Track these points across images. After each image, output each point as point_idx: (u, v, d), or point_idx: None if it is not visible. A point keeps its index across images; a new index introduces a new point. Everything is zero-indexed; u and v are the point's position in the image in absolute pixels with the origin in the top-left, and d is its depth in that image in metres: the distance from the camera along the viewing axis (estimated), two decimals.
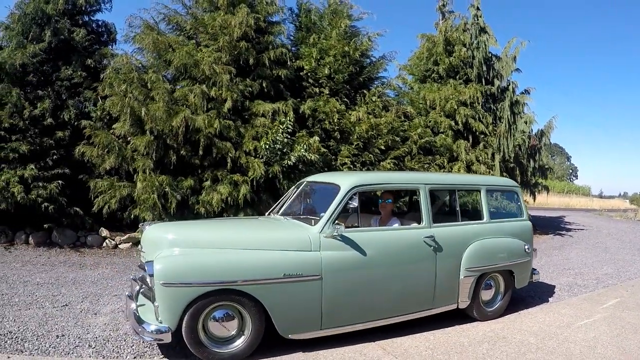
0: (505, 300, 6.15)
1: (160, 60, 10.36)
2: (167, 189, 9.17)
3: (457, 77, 15.21)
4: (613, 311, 6.50)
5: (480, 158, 13.75)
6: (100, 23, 11.75)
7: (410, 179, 5.97)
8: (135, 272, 5.42)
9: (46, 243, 9.57)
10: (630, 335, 5.48)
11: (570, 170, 78.29)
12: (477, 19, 15.76)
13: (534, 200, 17.74)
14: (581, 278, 8.84)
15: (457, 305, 5.60)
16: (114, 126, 9.78)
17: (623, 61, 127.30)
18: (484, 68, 15.36)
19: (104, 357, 4.32)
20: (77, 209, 9.58)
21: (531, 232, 6.65)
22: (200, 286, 4.01)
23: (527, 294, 7.24)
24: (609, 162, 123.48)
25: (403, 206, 8.64)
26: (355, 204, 4.86)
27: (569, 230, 18.29)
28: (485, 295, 5.97)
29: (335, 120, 11.22)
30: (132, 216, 9.45)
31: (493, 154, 14.23)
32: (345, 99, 11.87)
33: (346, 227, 4.76)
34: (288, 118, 10.15)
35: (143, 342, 4.59)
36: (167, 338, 3.97)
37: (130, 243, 9.96)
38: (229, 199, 9.47)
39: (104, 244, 9.91)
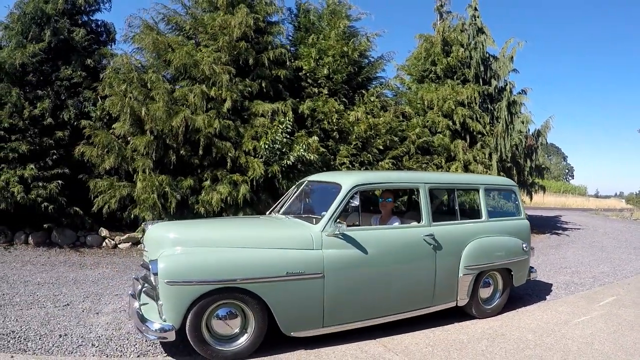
0: (503, 298, 6.20)
1: (160, 60, 10.39)
2: (166, 189, 9.19)
3: (455, 77, 15.28)
4: (610, 308, 6.57)
5: (478, 158, 13.81)
6: (99, 23, 11.76)
7: (411, 178, 6.03)
8: (137, 272, 5.47)
9: (46, 243, 9.58)
10: (626, 331, 5.55)
11: (567, 170, 78.49)
12: (475, 20, 15.83)
13: (531, 200, 17.84)
14: (578, 276, 8.91)
15: (456, 303, 5.65)
16: (113, 126, 9.79)
17: (619, 61, 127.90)
18: (482, 68, 15.44)
19: (107, 356, 4.34)
20: (77, 209, 9.59)
21: (529, 230, 6.72)
22: (204, 284, 4.04)
23: (524, 292, 7.31)
24: (605, 162, 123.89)
25: (401, 206, 8.69)
26: (356, 202, 4.92)
27: (565, 229, 18.37)
28: (484, 293, 6.03)
29: (334, 120, 11.27)
30: (132, 216, 9.48)
31: (490, 154, 14.30)
32: (344, 99, 11.92)
33: (347, 225, 4.81)
34: (287, 118, 10.20)
35: (146, 340, 4.63)
36: (171, 336, 4.00)
37: (130, 243, 9.98)
38: (228, 198, 9.50)
39: (104, 244, 9.93)
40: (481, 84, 15.26)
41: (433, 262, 5.33)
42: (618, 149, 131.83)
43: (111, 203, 9.39)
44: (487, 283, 6.08)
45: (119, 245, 9.93)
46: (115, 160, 9.50)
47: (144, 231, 8.53)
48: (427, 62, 15.66)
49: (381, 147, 11.97)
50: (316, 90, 11.63)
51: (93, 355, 4.34)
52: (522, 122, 14.80)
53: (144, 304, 4.40)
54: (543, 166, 17.97)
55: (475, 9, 15.91)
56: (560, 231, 17.48)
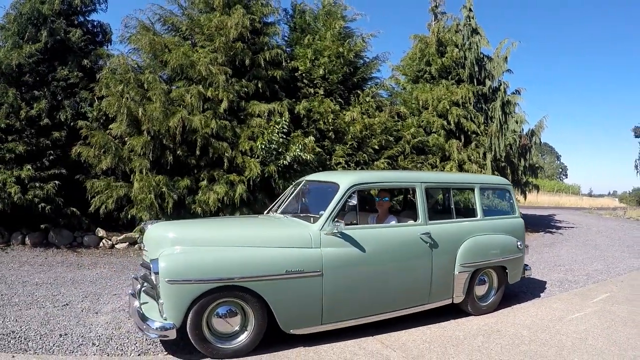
0: (498, 295, 6.28)
1: (157, 61, 10.40)
2: (163, 189, 9.21)
3: (449, 77, 15.34)
4: (603, 305, 6.66)
5: (472, 157, 13.89)
6: (95, 23, 11.76)
7: (407, 177, 6.11)
8: (135, 271, 5.50)
9: (43, 243, 9.59)
10: (619, 327, 5.63)
11: (560, 169, 78.74)
12: (469, 20, 15.90)
13: (525, 199, 17.90)
14: (572, 274, 9.00)
15: (452, 300, 5.72)
16: (110, 126, 9.80)
17: (612, 61, 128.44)
18: (476, 68, 15.50)
19: (108, 355, 4.37)
20: (74, 209, 9.61)
21: (523, 229, 6.78)
22: (205, 283, 4.09)
23: (519, 289, 7.39)
24: (599, 161, 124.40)
25: (397, 205, 8.75)
26: (354, 202, 4.97)
27: (559, 228, 18.48)
28: (479, 290, 6.10)
29: (330, 121, 11.32)
30: (129, 216, 9.48)
31: (485, 153, 14.38)
32: (339, 100, 11.96)
33: (345, 224, 4.86)
34: (283, 118, 10.24)
35: (146, 339, 4.67)
36: (172, 334, 4.05)
37: (127, 243, 10.00)
38: (225, 198, 9.54)
39: (101, 244, 9.95)
40: (475, 84, 15.32)
41: (429, 260, 5.40)
42: (611, 148, 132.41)
43: (108, 203, 9.40)
44: (483, 280, 6.15)
45: (116, 246, 9.94)
46: (112, 161, 9.51)
47: (141, 231, 8.61)
48: (421, 62, 15.73)
49: (376, 147, 12.02)
50: (312, 90, 11.67)
51: (94, 354, 4.37)
52: (516, 122, 14.88)
53: (144, 303, 4.44)
54: (537, 165, 18.06)
55: (470, 10, 15.98)
56: (554, 230, 17.59)
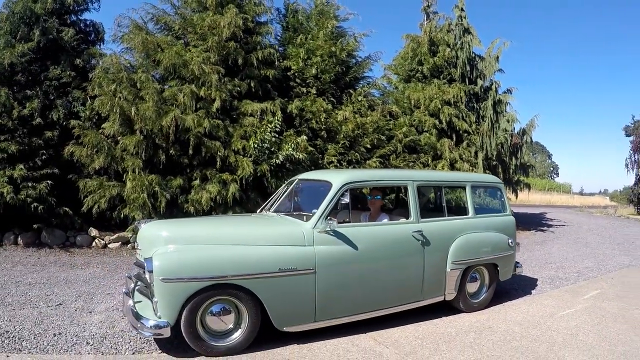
0: (490, 292, 6.34)
1: (149, 60, 10.40)
2: (156, 188, 9.22)
3: (441, 76, 15.40)
4: (594, 302, 6.73)
5: (464, 156, 13.97)
6: (88, 23, 11.74)
7: (399, 176, 6.17)
8: (128, 270, 5.51)
9: (35, 243, 9.57)
10: (610, 323, 5.70)
11: (552, 168, 78.98)
12: (461, 20, 15.96)
13: (516, 198, 18.01)
14: (563, 271, 9.08)
15: (444, 297, 5.77)
16: (103, 126, 9.79)
17: (603, 60, 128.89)
18: (468, 68, 15.57)
19: (102, 354, 4.38)
20: (67, 209, 9.58)
21: (514, 226, 6.85)
22: (199, 281, 4.11)
23: (511, 286, 7.45)
24: (590, 160, 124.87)
25: (389, 204, 8.79)
26: (346, 200, 5.00)
27: (550, 226, 18.60)
28: (471, 287, 6.15)
29: (322, 120, 11.35)
30: (122, 216, 9.48)
31: (476, 152, 14.46)
32: (332, 99, 12.00)
33: (337, 223, 4.89)
34: (276, 117, 10.27)
35: (141, 338, 4.67)
36: (167, 333, 4.07)
37: (120, 242, 9.99)
38: (217, 197, 9.56)
39: (93, 244, 9.92)
40: (467, 83, 15.40)
41: (421, 258, 5.45)
42: (602, 147, 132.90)
43: (101, 203, 9.39)
44: (474, 278, 6.21)
45: (108, 245, 9.92)
46: (105, 160, 9.50)
47: (134, 230, 8.61)
48: (414, 61, 15.79)
49: (369, 146, 12.07)
50: (304, 90, 11.71)
51: (88, 353, 4.37)
52: (508, 121, 14.96)
53: (138, 302, 4.45)
54: (528, 164, 18.19)
55: (462, 10, 16.04)
56: (545, 228, 17.70)
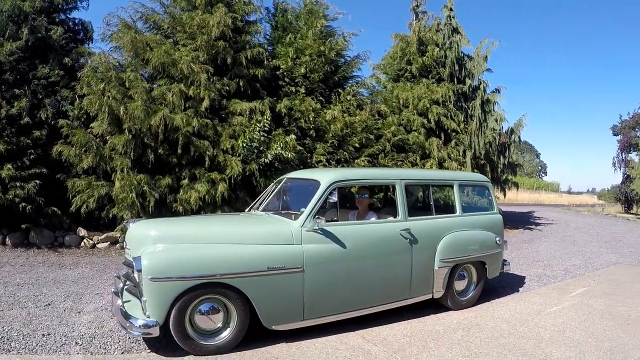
0: (477, 290, 6.40)
1: (138, 59, 10.35)
2: (145, 188, 9.19)
3: (430, 76, 15.49)
4: (581, 299, 6.81)
5: (452, 155, 14.04)
6: (77, 21, 11.67)
7: (387, 174, 6.22)
8: (117, 270, 5.50)
9: (23, 244, 9.50)
10: (596, 320, 5.78)
11: (540, 167, 79.41)
12: (450, 20, 16.08)
13: (504, 196, 18.15)
14: (550, 269, 9.17)
15: (432, 295, 5.83)
16: (91, 125, 9.73)
17: (592, 60, 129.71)
18: (456, 67, 15.68)
19: (92, 354, 4.38)
20: (55, 209, 9.51)
21: (502, 224, 6.92)
22: (187, 280, 4.13)
23: (498, 284, 7.52)
24: (578, 159, 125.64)
25: (377, 202, 8.83)
26: (334, 198, 5.04)
27: (538, 224, 18.73)
28: (459, 285, 6.22)
29: (311, 119, 11.37)
30: (110, 215, 9.43)
31: (464, 151, 14.54)
32: (320, 98, 12.03)
33: (326, 221, 4.93)
34: (265, 117, 10.27)
35: (130, 337, 4.68)
36: (155, 332, 4.07)
37: (109, 242, 9.94)
38: (206, 197, 9.54)
39: (82, 244, 9.87)
40: (456, 83, 15.51)
41: (409, 256, 5.49)
42: (590, 146, 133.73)
43: (89, 202, 9.34)
44: (462, 276, 6.26)
45: (97, 245, 9.88)
46: (93, 160, 9.45)
47: (123, 230, 8.58)
48: (402, 61, 15.85)
49: (357, 145, 12.10)
50: (293, 89, 11.73)
51: (77, 353, 4.37)
52: (496, 120, 15.07)
53: (126, 301, 4.45)
54: (516, 163, 18.33)
55: (451, 10, 16.16)
56: (533, 226, 17.82)
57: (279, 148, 10.12)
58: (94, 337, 4.77)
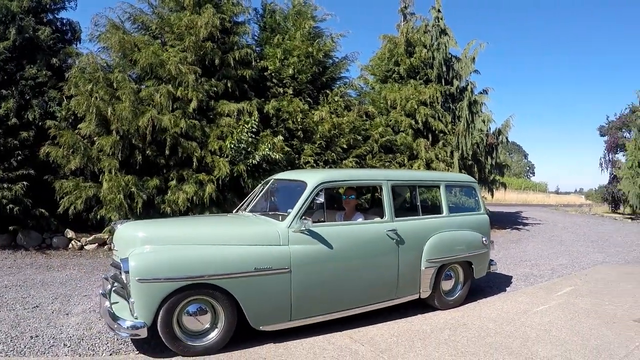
0: (464, 290, 6.44)
1: (126, 60, 10.34)
2: (133, 189, 9.19)
3: (418, 77, 15.57)
4: (567, 298, 6.87)
5: (440, 156, 14.13)
6: (64, 21, 11.63)
7: (373, 175, 6.25)
8: (105, 272, 5.49)
9: (11, 245, 9.45)
10: (582, 319, 5.83)
11: (528, 168, 79.84)
12: (438, 21, 16.15)
13: (492, 197, 18.24)
14: (537, 269, 9.25)
15: (419, 295, 5.86)
16: (79, 126, 9.71)
17: (579, 61, 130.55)
18: (444, 69, 15.76)
19: (80, 355, 4.38)
20: (43, 211, 9.47)
21: (488, 225, 6.98)
22: (175, 281, 4.13)
23: (485, 284, 7.57)
24: (566, 159, 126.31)
25: (365, 203, 8.87)
26: (321, 199, 5.06)
27: (526, 224, 18.86)
28: (446, 285, 6.25)
29: (299, 120, 11.40)
30: (98, 217, 9.42)
31: (452, 152, 14.64)
32: (308, 99, 12.06)
33: (312, 222, 4.94)
34: (252, 118, 10.29)
35: (118, 339, 4.69)
36: (143, 333, 4.08)
37: (97, 244, 9.92)
38: (194, 198, 9.56)
39: (70, 245, 9.84)
40: (443, 84, 15.58)
41: (396, 256, 5.53)
42: (578, 147, 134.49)
43: (77, 204, 9.31)
44: (449, 276, 6.30)
45: (85, 247, 9.85)
46: (81, 161, 9.43)
47: (111, 231, 8.56)
48: (390, 62, 15.93)
49: (345, 146, 12.14)
50: (281, 90, 11.75)
51: (65, 355, 4.37)
52: (483, 121, 15.16)
53: (114, 303, 4.44)
54: (504, 164, 18.47)
55: (439, 11, 16.23)
56: (520, 226, 17.95)
57: (266, 149, 10.14)
58: (82, 338, 4.76)
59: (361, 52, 41.49)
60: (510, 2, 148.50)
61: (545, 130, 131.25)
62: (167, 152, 9.59)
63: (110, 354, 4.45)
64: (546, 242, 13.46)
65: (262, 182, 6.46)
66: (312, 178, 5.22)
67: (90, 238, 9.92)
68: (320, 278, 4.93)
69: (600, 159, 29.37)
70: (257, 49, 12.31)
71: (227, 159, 9.98)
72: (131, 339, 4.57)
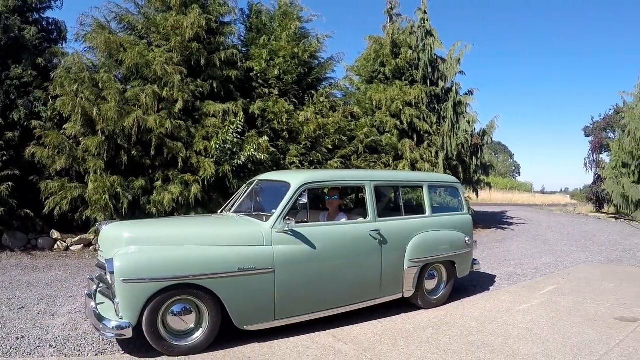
0: (447, 289, 6.53)
1: (112, 60, 10.32)
2: (118, 190, 9.18)
3: (403, 78, 15.68)
4: (550, 297, 6.98)
5: (425, 156, 14.23)
6: (50, 21, 11.57)
7: (357, 176, 6.31)
8: (91, 272, 5.51)
9: None
10: (564, 317, 5.94)
11: (513, 168, 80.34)
12: (424, 23, 16.26)
13: (477, 197, 18.39)
14: (521, 268, 9.36)
15: (403, 295, 5.94)
16: (64, 126, 9.66)
17: (564, 62, 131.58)
18: (429, 70, 15.87)
19: (66, 356, 4.40)
20: (28, 211, 9.42)
21: (471, 224, 7.07)
22: (159, 281, 4.17)
23: (469, 283, 7.66)
24: (551, 159, 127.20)
25: (350, 204, 8.93)
26: (305, 200, 5.12)
27: (510, 224, 19.03)
28: (429, 284, 6.33)
29: (284, 121, 11.44)
30: (84, 217, 9.38)
31: (437, 153, 14.75)
32: (294, 100, 12.10)
33: (296, 222, 5.00)
34: (238, 118, 10.32)
35: (103, 339, 4.71)
36: (128, 333, 4.10)
37: (82, 244, 9.89)
38: (180, 198, 9.56)
39: (56, 246, 9.80)
40: (429, 85, 15.69)
41: (379, 256, 5.60)
42: (563, 147, 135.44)
43: (62, 205, 9.28)
44: (432, 275, 6.38)
45: (71, 247, 9.82)
46: (67, 161, 9.38)
47: (96, 232, 8.55)
48: (376, 63, 16.02)
49: (330, 147, 12.19)
50: (267, 90, 11.78)
51: (52, 356, 4.38)
52: (468, 122, 15.31)
53: (100, 304, 4.46)
54: (489, 164, 18.62)
55: (425, 13, 16.34)
56: (505, 226, 18.11)
57: (252, 149, 10.17)
58: (68, 339, 4.78)
59: (347, 52, 41.59)
60: (497, 4, 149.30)
61: (531, 131, 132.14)
62: (152, 152, 9.59)
63: (96, 354, 4.47)
64: (530, 242, 13.60)
65: (247, 183, 6.49)
66: (296, 179, 5.27)
67: (76, 239, 9.89)
68: (304, 278, 4.98)
69: (585, 159, 29.66)
70: (243, 49, 12.33)
71: (212, 160, 9.99)
72: (117, 339, 4.60)
